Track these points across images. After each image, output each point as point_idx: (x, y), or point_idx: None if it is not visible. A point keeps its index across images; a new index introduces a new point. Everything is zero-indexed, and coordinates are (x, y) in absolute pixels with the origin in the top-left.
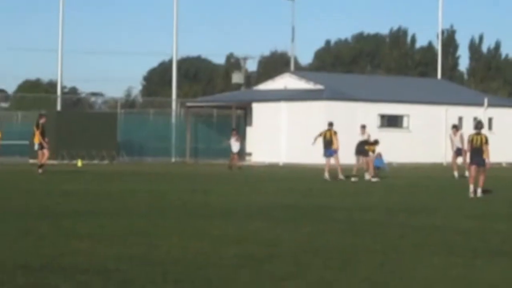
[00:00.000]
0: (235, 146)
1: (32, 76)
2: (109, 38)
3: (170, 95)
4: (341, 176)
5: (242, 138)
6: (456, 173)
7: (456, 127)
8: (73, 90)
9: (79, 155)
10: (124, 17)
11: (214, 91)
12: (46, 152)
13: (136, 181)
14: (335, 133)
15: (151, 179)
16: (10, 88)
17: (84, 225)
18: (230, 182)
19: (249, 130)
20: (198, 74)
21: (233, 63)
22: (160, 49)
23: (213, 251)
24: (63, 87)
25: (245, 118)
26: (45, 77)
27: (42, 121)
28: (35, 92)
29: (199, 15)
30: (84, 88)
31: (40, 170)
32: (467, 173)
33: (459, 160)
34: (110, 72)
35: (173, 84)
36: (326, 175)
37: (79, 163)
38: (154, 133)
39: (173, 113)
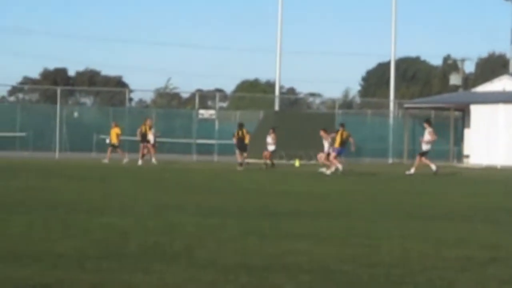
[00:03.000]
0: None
1: (251, 76)
2: (327, 38)
3: (387, 96)
4: None
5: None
6: None
7: None
8: (291, 91)
9: (297, 155)
10: (342, 18)
11: (431, 93)
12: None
13: (353, 182)
14: None
15: (368, 179)
16: (229, 88)
17: (304, 225)
18: (448, 184)
19: (466, 132)
20: (415, 75)
21: (450, 64)
22: (378, 50)
23: (435, 253)
24: (281, 87)
25: (463, 120)
26: (263, 77)
27: None
28: (253, 92)
29: (417, 16)
30: (302, 89)
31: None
32: None
33: None
34: (328, 72)
35: (391, 85)
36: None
37: (297, 163)
38: (372, 134)
39: (391, 114)
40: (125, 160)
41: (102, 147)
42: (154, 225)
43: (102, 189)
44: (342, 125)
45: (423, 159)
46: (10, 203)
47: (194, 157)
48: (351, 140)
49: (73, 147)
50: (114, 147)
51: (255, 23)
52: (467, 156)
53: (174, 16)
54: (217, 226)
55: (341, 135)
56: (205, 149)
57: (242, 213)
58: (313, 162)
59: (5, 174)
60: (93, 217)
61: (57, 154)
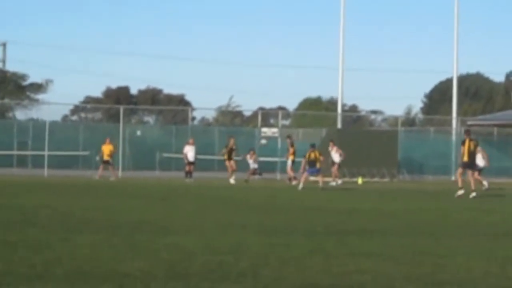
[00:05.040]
0: (251, 164)
1: (313, 93)
2: (389, 56)
3: (450, 113)
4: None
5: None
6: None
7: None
8: (353, 108)
9: (360, 172)
10: (404, 35)
11: (494, 109)
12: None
13: (417, 199)
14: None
15: (432, 197)
16: (291, 105)
17: (369, 244)
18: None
19: None
20: (478, 92)
21: None
22: (440, 66)
23: (500, 272)
24: (343, 105)
25: None
26: (325, 95)
27: None
28: (315, 110)
29: (479, 32)
30: (364, 106)
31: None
32: None
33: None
34: (390, 90)
35: (453, 102)
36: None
37: (360, 180)
38: (434, 151)
39: (453, 131)
40: (112, 179)
41: (165, 165)
42: (218, 245)
43: (165, 208)
44: (313, 145)
45: (476, 175)
46: (75, 223)
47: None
48: (321, 158)
49: (136, 165)
50: (106, 163)
51: (317, 41)
52: None
53: (235, 34)
54: (282, 245)
55: (309, 156)
56: (268, 167)
57: (306, 231)
58: (376, 179)
59: (69, 193)
60: (158, 237)
61: (120, 173)
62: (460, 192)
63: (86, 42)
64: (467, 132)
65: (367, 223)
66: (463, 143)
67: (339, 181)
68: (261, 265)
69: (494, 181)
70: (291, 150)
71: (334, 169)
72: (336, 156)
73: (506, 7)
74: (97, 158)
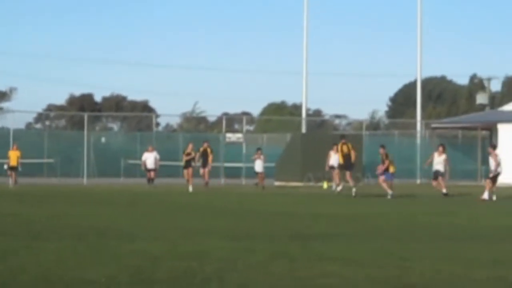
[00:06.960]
0: (258, 165)
1: (277, 99)
2: (353, 60)
3: (414, 116)
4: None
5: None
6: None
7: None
8: (318, 113)
9: (325, 177)
10: (367, 39)
11: (458, 112)
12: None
13: (382, 203)
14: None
15: (397, 201)
16: (255, 111)
17: (334, 248)
18: (477, 204)
19: None
20: (441, 95)
21: (476, 83)
22: (404, 70)
23: (465, 274)
24: (307, 110)
25: (490, 139)
26: (289, 100)
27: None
28: (279, 115)
29: (442, 35)
30: (328, 110)
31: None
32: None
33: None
34: (354, 94)
35: (418, 106)
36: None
37: (325, 185)
38: (399, 154)
39: (418, 135)
40: (15, 185)
41: (130, 172)
42: (183, 250)
43: (131, 214)
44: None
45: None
46: (40, 230)
47: (222, 180)
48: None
49: (101, 172)
50: (14, 169)
51: (281, 46)
52: None
53: (199, 40)
54: (247, 250)
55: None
56: (232, 173)
57: (271, 236)
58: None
59: (34, 201)
60: (123, 243)
61: (85, 180)
62: (339, 188)
63: (49, 49)
64: (342, 137)
65: (332, 227)
66: (336, 148)
67: (339, 187)
68: (226, 270)
69: (459, 184)
70: (210, 156)
71: (336, 174)
72: (335, 160)
73: (469, 10)
74: (5, 166)
